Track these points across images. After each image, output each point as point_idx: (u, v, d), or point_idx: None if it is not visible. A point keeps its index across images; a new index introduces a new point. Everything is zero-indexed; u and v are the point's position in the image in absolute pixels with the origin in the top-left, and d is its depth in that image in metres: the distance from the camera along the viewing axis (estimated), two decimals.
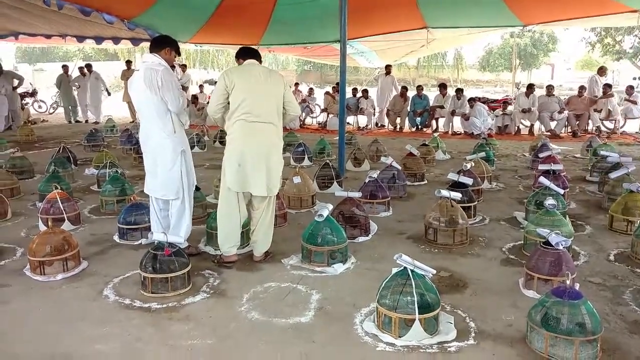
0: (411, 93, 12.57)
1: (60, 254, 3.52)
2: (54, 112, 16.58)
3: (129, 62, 14.43)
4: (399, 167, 5.89)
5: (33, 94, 16.25)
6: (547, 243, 3.22)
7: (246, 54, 3.68)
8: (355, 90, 13.63)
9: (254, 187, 3.52)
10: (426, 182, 6.53)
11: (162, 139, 3.66)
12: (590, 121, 11.26)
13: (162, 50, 3.70)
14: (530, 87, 11.61)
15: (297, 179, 5.24)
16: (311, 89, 16.20)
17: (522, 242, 4.03)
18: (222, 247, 3.68)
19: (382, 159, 5.99)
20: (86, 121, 13.87)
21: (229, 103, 3.52)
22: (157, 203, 3.87)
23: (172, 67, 3.85)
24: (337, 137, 6.91)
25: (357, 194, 4.50)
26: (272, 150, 3.57)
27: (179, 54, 3.99)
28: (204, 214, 4.83)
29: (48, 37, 11.65)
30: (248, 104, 3.46)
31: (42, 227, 4.35)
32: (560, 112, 10.92)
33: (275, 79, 3.61)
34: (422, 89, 12.66)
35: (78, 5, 7.77)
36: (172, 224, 3.84)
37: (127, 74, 13.84)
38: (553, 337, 2.42)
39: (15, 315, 2.98)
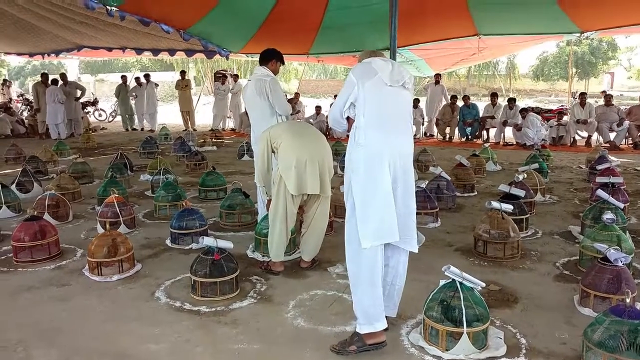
0: (461, 103, 12.37)
1: (116, 256, 3.68)
2: (112, 120, 17.38)
3: (183, 72, 14.90)
4: (448, 178, 5.79)
5: (94, 103, 17.13)
6: (606, 259, 3.08)
7: None
8: None
9: (310, 186, 3.55)
10: (476, 193, 6.39)
11: None
12: None
13: (269, 62, 4.32)
14: (582, 96, 11.21)
15: (343, 188, 5.24)
16: None
17: (578, 257, 3.87)
18: (272, 253, 3.73)
19: (431, 168, 5.92)
20: (142, 129, 14.45)
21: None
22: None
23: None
24: None
25: None
26: (325, 159, 3.63)
27: (283, 63, 4.51)
28: (253, 220, 4.91)
29: (109, 50, 12.27)
30: (293, 131, 3.70)
31: (100, 230, 4.56)
32: (619, 124, 10.43)
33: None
34: (469, 99, 12.43)
35: (138, 16, 8.15)
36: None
37: (181, 83, 14.35)
38: (612, 358, 2.31)
39: (74, 313, 3.14)
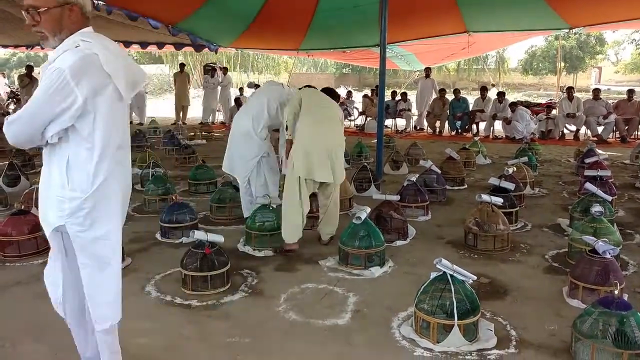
0: (451, 97, 12.40)
1: None
2: None
3: (182, 65, 14.65)
4: (439, 171, 5.81)
5: None
6: (594, 251, 3.11)
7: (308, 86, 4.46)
8: (394, 94, 13.56)
9: (319, 174, 3.84)
10: (466, 186, 6.42)
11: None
12: None
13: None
14: (569, 91, 11.29)
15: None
16: (349, 92, 16.18)
17: (567, 249, 3.91)
18: (285, 235, 3.90)
19: (421, 162, 5.93)
20: (130, 122, 14.29)
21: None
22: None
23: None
24: (375, 140, 6.87)
25: (395, 197, 4.47)
26: (338, 150, 3.97)
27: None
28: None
29: None
30: (315, 110, 3.99)
31: None
32: (606, 116, 10.53)
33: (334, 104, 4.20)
34: (460, 92, 12.49)
35: (125, 11, 8.02)
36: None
37: (179, 77, 14.15)
38: (600, 349, 2.33)
39: None
